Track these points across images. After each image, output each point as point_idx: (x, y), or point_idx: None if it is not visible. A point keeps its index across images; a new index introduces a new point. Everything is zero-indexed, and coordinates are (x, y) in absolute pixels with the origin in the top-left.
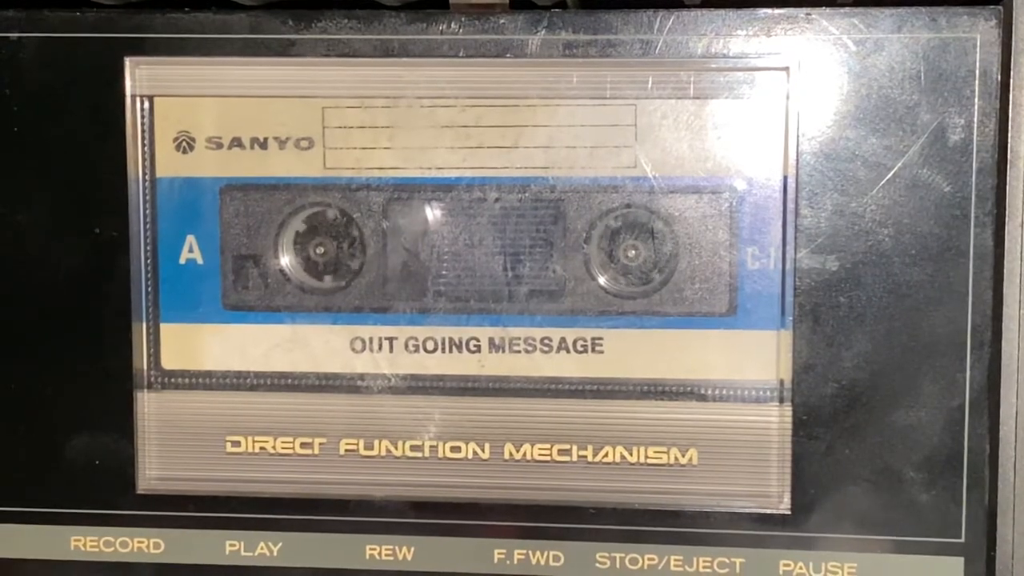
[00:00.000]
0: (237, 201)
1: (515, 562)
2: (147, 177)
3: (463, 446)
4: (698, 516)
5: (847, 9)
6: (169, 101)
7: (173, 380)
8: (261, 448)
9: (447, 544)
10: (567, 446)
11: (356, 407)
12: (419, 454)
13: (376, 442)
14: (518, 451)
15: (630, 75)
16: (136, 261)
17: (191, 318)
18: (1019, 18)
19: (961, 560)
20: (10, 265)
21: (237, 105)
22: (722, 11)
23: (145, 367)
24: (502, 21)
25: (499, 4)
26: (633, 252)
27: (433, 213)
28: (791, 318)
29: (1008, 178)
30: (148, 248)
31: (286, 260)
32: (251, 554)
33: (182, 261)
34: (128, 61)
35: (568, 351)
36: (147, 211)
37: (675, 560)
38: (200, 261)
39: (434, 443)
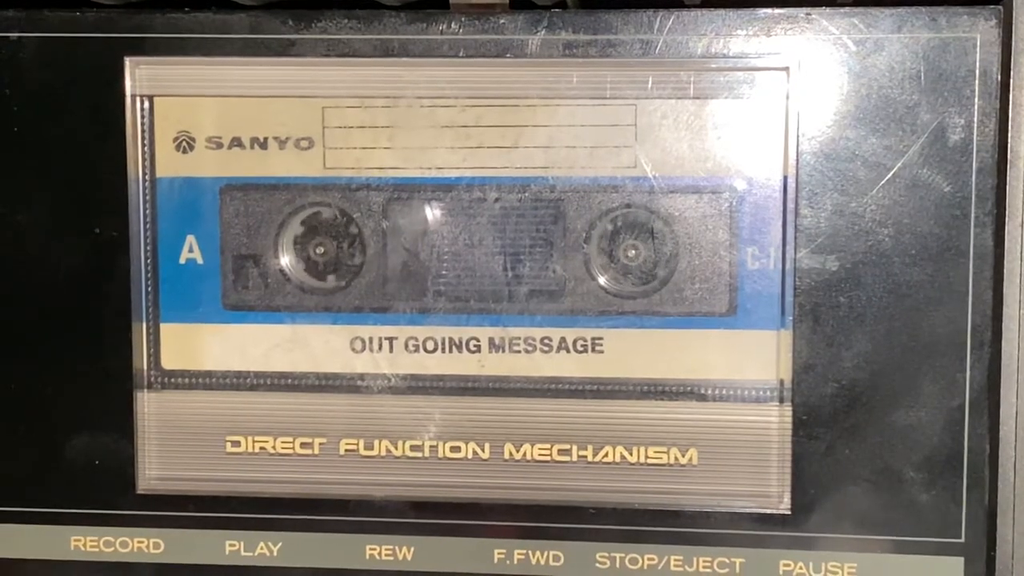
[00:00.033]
0: (237, 201)
1: (515, 562)
2: (147, 177)
3: (463, 446)
4: (698, 516)
5: (847, 9)
6: (169, 101)
7: (173, 380)
8: (261, 448)
9: (447, 544)
10: (567, 446)
11: (356, 407)
12: (419, 454)
13: (376, 442)
14: (518, 451)
15: (630, 75)
16: (136, 261)
17: (191, 318)
18: (1019, 18)
19: (961, 560)
20: (10, 265)
21: (237, 105)
22: (722, 11)
23: (145, 367)
24: (502, 21)
25: (499, 4)
26: (633, 252)
27: (433, 213)
28: (791, 318)
29: (1008, 178)
30: (148, 248)
31: (286, 260)
32: (251, 554)
33: (182, 261)
34: (128, 61)
35: (568, 351)
36: (147, 211)
37: (675, 560)
38: (200, 261)
39: (434, 443)
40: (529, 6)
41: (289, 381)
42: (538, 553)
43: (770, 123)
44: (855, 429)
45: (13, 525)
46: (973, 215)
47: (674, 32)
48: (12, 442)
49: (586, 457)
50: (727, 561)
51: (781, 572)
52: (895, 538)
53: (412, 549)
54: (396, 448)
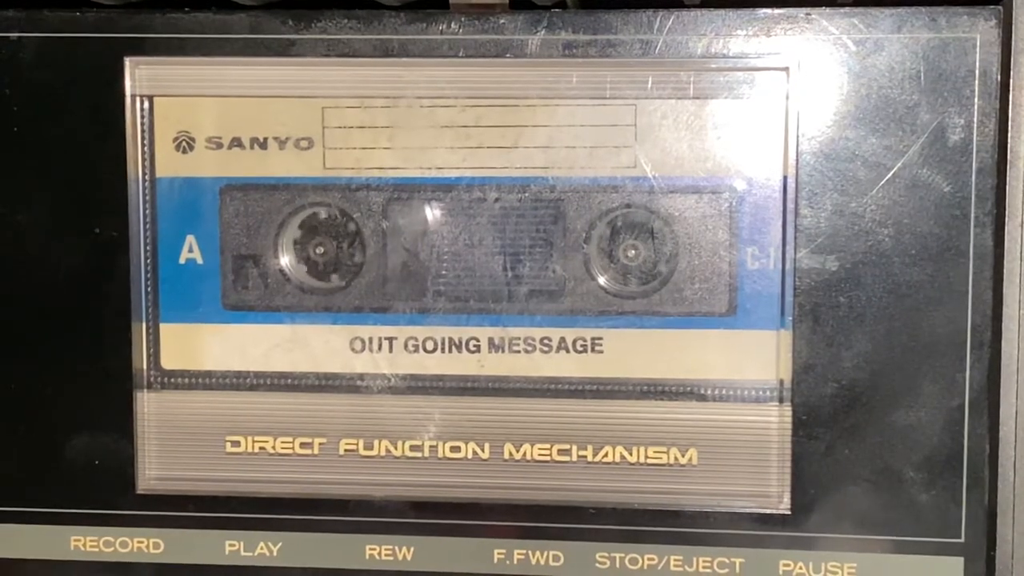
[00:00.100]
0: (237, 201)
1: (515, 562)
2: (147, 177)
3: (463, 446)
4: (698, 516)
5: (847, 9)
6: (169, 101)
7: (173, 380)
8: (261, 448)
9: (447, 544)
10: (567, 446)
11: (356, 407)
12: (419, 454)
13: (376, 442)
14: (518, 451)
15: (630, 75)
16: (136, 261)
17: (191, 318)
18: (1019, 18)
19: (961, 560)
20: (10, 265)
21: (237, 105)
22: (722, 11)
23: (145, 367)
24: (502, 21)
25: (499, 4)
26: (633, 252)
27: (433, 213)
28: (791, 318)
29: (1008, 178)
30: (148, 248)
31: (286, 260)
32: (251, 554)
33: (182, 261)
34: (128, 61)
35: (568, 351)
36: (147, 211)
37: (675, 560)
38: (200, 261)
39: (434, 443)
40: (529, 6)
41: (289, 381)
42: (538, 553)
43: (770, 123)
44: (855, 429)
45: (13, 525)
46: (973, 215)
47: (674, 32)
48: (12, 442)
49: (586, 457)
50: (727, 561)
51: (781, 572)
52: (895, 538)
53: (412, 549)
54: (396, 448)
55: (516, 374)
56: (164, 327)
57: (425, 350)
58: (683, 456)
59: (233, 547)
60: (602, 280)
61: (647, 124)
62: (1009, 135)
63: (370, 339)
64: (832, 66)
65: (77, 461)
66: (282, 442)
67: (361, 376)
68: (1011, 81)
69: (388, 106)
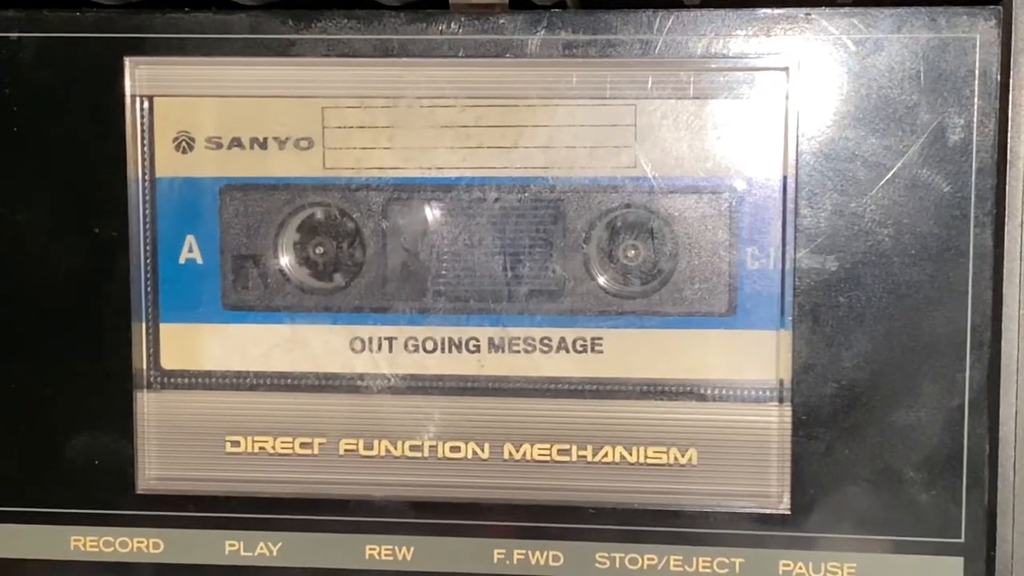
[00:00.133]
0: (237, 201)
1: (515, 562)
2: (147, 177)
3: (463, 446)
4: (698, 516)
5: (847, 9)
6: (169, 101)
7: (173, 380)
8: (261, 448)
9: (447, 544)
10: (567, 446)
11: (356, 407)
12: (419, 454)
13: (376, 442)
14: (518, 451)
15: (630, 75)
16: (136, 261)
17: (191, 318)
18: (1019, 18)
19: (961, 560)
20: (10, 265)
21: (237, 105)
22: (722, 11)
23: (145, 367)
24: (502, 21)
25: (499, 4)
26: (633, 252)
27: (433, 213)
28: (791, 318)
29: (1008, 178)
30: (148, 248)
31: (286, 260)
32: (251, 554)
33: (182, 261)
34: (128, 61)
35: (568, 351)
36: (147, 211)
37: (675, 560)
38: (200, 261)
39: (434, 443)
40: (529, 6)
41: (289, 381)
42: (538, 553)
43: (770, 123)
44: (855, 429)
45: (13, 525)
46: (973, 215)
47: (674, 32)
48: (12, 442)
49: (586, 457)
50: (727, 561)
51: (781, 572)
52: (895, 538)
53: (412, 549)
54: (396, 448)
55: (516, 374)
56: (164, 327)
57: (425, 350)
58: (683, 456)
59: (233, 547)
60: (602, 280)
61: (647, 124)
62: (1009, 135)
63: (370, 339)
64: (832, 66)
65: (77, 461)
66: (282, 442)
67: (361, 376)
68: (1011, 81)
69: (388, 106)
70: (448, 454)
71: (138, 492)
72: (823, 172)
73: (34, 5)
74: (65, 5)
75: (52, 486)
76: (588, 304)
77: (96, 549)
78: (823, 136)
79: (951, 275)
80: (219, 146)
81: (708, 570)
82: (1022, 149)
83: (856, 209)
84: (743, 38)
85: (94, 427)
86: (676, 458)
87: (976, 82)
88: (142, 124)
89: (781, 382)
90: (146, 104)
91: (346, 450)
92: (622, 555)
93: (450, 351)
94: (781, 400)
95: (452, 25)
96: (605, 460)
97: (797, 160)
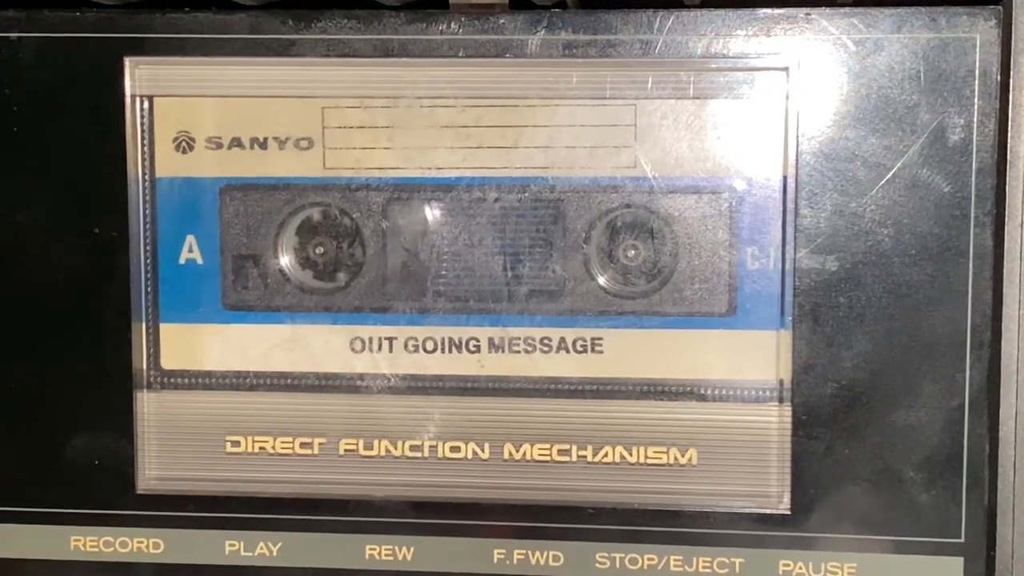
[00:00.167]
0: (237, 201)
1: (515, 562)
2: (147, 177)
3: (463, 446)
4: (698, 516)
5: (847, 9)
6: (169, 101)
7: (173, 380)
8: (261, 448)
9: (447, 544)
10: (567, 446)
11: (356, 407)
12: (419, 454)
13: (376, 442)
14: (518, 451)
15: (630, 75)
16: (136, 261)
17: (191, 318)
18: (1019, 18)
19: (961, 560)
20: (10, 265)
21: (237, 105)
22: (722, 11)
23: (145, 367)
24: (502, 21)
25: (499, 4)
26: (633, 252)
27: (433, 213)
28: (791, 318)
29: (1008, 178)
30: (148, 248)
31: (286, 260)
32: (251, 554)
33: (182, 261)
34: (128, 61)
35: (568, 351)
36: (147, 211)
37: (675, 560)
38: (200, 261)
39: (434, 443)
40: (529, 6)
41: (289, 381)
42: (538, 553)
43: (770, 123)
44: (855, 429)
45: (13, 525)
46: (973, 215)
47: (674, 32)
48: (12, 442)
49: (586, 457)
50: (727, 561)
51: (781, 572)
52: (895, 538)
53: (412, 549)
54: (396, 448)
55: (516, 374)
56: (164, 327)
57: (425, 350)
58: (683, 456)
59: (233, 547)
60: (602, 280)
61: (647, 124)
62: (1009, 135)
63: (370, 339)
64: (832, 66)
65: (77, 461)
66: (282, 442)
67: (361, 376)
68: (1011, 81)
69: (388, 106)
70: (448, 454)
71: (138, 492)
72: (823, 172)
73: (34, 5)
74: (65, 5)
75: (52, 486)
76: (588, 304)
77: (96, 549)
78: (823, 136)
79: (951, 275)
80: (219, 146)
81: (708, 570)
82: (1022, 149)
83: (856, 209)
84: (743, 38)
85: (94, 427)
86: (676, 458)
87: (976, 82)
88: (142, 124)
89: (781, 382)
90: (146, 104)
91: (346, 450)
92: (622, 555)
93: (450, 351)
94: (781, 400)
95: (452, 25)
96: (605, 460)
97: (797, 160)
